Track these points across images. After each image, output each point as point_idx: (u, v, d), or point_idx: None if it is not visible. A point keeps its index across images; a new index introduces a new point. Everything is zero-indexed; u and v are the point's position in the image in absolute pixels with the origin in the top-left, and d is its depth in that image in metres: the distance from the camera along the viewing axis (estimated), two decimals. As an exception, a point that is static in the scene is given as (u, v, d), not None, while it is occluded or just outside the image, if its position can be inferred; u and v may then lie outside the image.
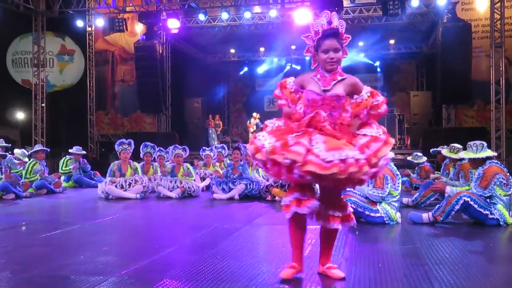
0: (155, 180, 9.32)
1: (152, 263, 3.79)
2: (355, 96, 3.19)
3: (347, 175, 2.76)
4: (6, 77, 19.42)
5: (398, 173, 5.61)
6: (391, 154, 5.58)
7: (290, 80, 3.34)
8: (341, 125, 3.06)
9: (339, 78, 3.15)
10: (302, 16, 14.19)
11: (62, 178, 10.87)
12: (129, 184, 8.73)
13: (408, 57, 21.32)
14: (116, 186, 8.65)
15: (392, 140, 3.06)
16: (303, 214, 3.15)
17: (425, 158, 9.74)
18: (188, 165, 9.26)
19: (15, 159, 9.95)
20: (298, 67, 22.54)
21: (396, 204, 5.52)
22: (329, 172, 2.75)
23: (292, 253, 3.33)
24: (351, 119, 3.11)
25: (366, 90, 3.23)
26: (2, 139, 10.05)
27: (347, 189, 5.83)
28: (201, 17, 15.92)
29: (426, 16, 15.88)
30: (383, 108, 3.24)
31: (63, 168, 11.18)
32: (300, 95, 3.25)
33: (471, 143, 5.62)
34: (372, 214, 5.42)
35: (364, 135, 3.05)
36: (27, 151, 10.51)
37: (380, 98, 3.23)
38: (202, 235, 5.02)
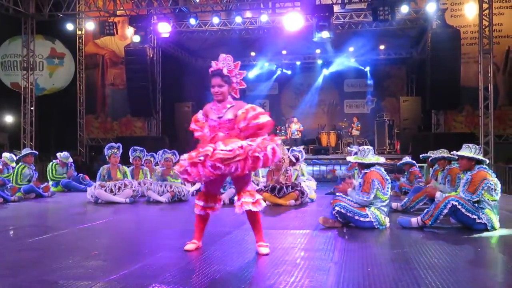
0: (144, 184, 9.29)
1: (141, 268, 3.78)
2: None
3: (245, 156, 3.73)
4: (-6, 81, 19.27)
5: (387, 177, 5.63)
6: (381, 159, 5.64)
7: (200, 115, 4.31)
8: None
9: (228, 106, 4.10)
10: (293, 21, 14.26)
11: (51, 182, 10.79)
12: (119, 188, 8.68)
13: (398, 63, 21.49)
14: (105, 190, 8.60)
15: (277, 139, 3.95)
16: (205, 214, 4.34)
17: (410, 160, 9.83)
18: (179, 169, 9.22)
19: (3, 163, 9.87)
20: (289, 72, 22.62)
21: (386, 209, 5.55)
22: (233, 155, 3.74)
23: (194, 233, 4.42)
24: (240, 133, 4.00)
25: (244, 107, 4.05)
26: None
27: (337, 194, 5.87)
28: (192, 21, 15.92)
29: (415, 22, 16.03)
30: (262, 118, 3.96)
31: (55, 175, 11.07)
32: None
33: (469, 144, 5.65)
34: (362, 219, 5.44)
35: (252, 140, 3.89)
36: (16, 155, 10.42)
37: (258, 110, 4.00)
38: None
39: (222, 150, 3.79)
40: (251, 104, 4.12)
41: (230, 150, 3.76)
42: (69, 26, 17.01)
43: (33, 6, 15.84)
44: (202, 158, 3.80)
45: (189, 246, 4.34)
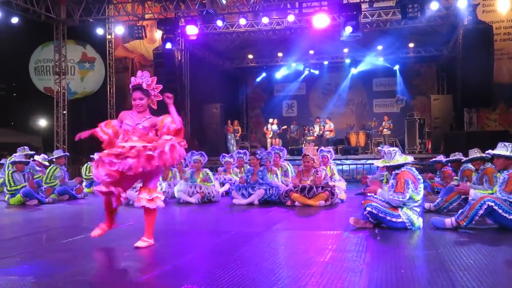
0: (174, 185, 9.36)
1: (172, 269, 3.80)
2: (156, 126, 4.57)
3: (136, 155, 4.20)
4: (29, 85, 19.78)
5: (420, 177, 5.52)
6: (409, 159, 5.52)
7: (115, 121, 4.73)
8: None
9: (147, 116, 4.58)
10: (320, 21, 14.15)
11: (84, 184, 10.99)
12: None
13: (428, 61, 21.13)
14: (136, 192, 8.67)
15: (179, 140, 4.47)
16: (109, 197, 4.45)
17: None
18: (208, 171, 9.29)
19: (37, 165, 10.10)
20: (317, 72, 22.48)
21: (418, 209, 5.44)
22: (125, 151, 4.24)
23: (104, 219, 4.68)
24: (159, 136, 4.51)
25: (160, 117, 4.57)
26: (26, 147, 10.20)
27: (368, 195, 5.79)
28: (219, 23, 15.99)
29: (446, 18, 15.69)
30: (177, 124, 4.53)
31: (87, 174, 11.29)
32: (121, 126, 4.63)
33: (504, 142, 5.50)
34: (394, 219, 5.35)
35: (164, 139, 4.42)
36: (48, 157, 10.65)
37: (167, 120, 4.53)
38: (222, 241, 5.02)
39: (119, 147, 4.32)
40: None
41: (123, 147, 4.28)
42: (99, 31, 17.32)
43: (64, 12, 16.18)
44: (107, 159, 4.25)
45: (96, 232, 4.65)
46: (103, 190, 4.31)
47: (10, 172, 9.06)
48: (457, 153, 8.76)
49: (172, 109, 4.58)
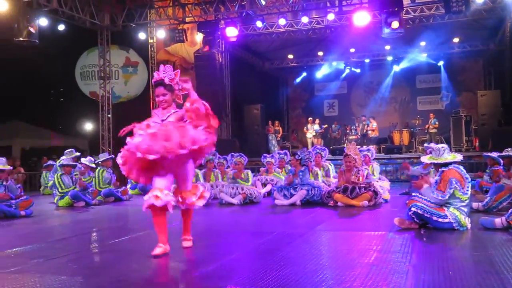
0: (217, 186, 9.44)
1: (215, 269, 3.82)
2: (184, 118, 4.37)
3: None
4: (75, 90, 20.42)
5: (467, 176, 5.34)
6: (458, 157, 5.34)
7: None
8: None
9: (172, 111, 4.40)
10: (361, 18, 13.95)
11: (129, 185, 11.24)
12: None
13: (474, 55, 20.49)
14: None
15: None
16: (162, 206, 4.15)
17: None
18: (249, 172, 9.31)
19: (83, 168, 10.39)
20: (358, 70, 22.20)
21: (466, 209, 5.27)
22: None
23: (158, 237, 4.28)
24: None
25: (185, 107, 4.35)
26: (73, 149, 10.52)
27: (412, 194, 5.65)
28: (259, 24, 16.02)
29: (492, 12, 15.16)
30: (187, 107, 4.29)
31: None
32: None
33: None
34: (440, 220, 5.20)
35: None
36: (94, 159, 10.95)
37: (187, 105, 4.30)
38: (264, 242, 5.01)
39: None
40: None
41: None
42: (142, 35, 17.68)
43: (108, 18, 16.59)
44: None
45: (157, 250, 4.22)
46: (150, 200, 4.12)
47: (59, 175, 9.37)
48: (509, 148, 8.42)
49: (192, 93, 4.32)
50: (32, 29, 12.78)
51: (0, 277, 3.74)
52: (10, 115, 22.25)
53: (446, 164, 5.33)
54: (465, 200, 5.23)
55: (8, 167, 8.25)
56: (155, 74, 4.47)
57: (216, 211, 8.12)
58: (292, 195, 8.34)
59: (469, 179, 5.34)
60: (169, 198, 4.15)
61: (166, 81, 4.38)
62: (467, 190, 5.25)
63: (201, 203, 4.45)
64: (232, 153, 9.75)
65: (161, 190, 4.15)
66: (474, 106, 18.17)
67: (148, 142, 4.00)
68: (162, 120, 4.32)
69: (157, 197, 4.11)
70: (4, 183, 7.98)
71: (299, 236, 5.20)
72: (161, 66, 4.46)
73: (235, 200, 8.69)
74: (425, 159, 5.71)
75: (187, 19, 16.64)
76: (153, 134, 4.03)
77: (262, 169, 11.35)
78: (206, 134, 4.18)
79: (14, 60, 21.15)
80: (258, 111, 18.82)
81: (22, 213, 7.75)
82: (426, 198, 5.35)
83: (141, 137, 4.06)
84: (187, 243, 4.60)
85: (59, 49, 20.28)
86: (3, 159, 8.11)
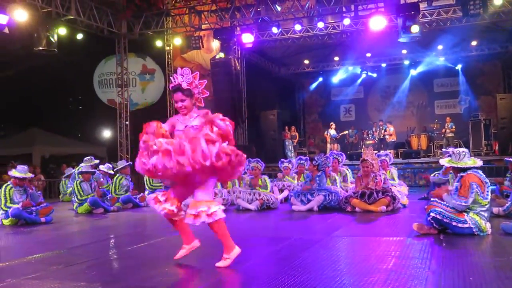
0: (234, 192, 9.45)
1: (234, 275, 3.82)
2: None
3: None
4: (93, 98, 20.66)
5: (487, 180, 5.26)
6: (479, 162, 5.26)
7: (165, 125, 4.16)
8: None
9: (194, 115, 4.11)
10: (377, 23, 13.89)
11: (146, 192, 11.29)
12: (210, 197, 8.87)
13: (493, 58, 20.24)
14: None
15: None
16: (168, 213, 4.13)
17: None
18: (266, 178, 9.30)
19: (102, 175, 10.50)
20: (374, 75, 22.09)
21: (486, 214, 5.19)
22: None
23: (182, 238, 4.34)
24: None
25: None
26: (92, 157, 10.63)
27: (431, 199, 5.60)
28: (274, 30, 16.05)
29: (510, 13, 14.96)
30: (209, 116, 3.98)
31: (151, 183, 11.47)
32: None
33: None
34: (460, 225, 5.13)
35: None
36: (112, 166, 11.05)
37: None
38: (282, 248, 5.00)
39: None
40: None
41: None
42: (158, 43, 17.86)
43: (125, 26, 16.78)
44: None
45: (181, 252, 4.29)
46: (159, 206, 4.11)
47: (78, 182, 9.48)
48: None
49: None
50: (52, 39, 13.05)
51: (21, 284, 3.79)
52: (30, 123, 22.59)
53: (465, 169, 5.26)
54: (485, 204, 5.16)
55: (30, 175, 8.37)
56: (172, 78, 4.27)
57: (233, 217, 8.13)
58: (309, 201, 8.31)
59: (489, 184, 5.27)
60: (163, 207, 4.09)
61: (184, 85, 4.13)
62: (487, 195, 5.18)
63: (191, 221, 3.95)
64: (249, 159, 9.76)
65: (162, 195, 4.14)
66: (493, 109, 17.95)
67: (162, 160, 3.76)
68: (185, 126, 4.07)
69: (156, 201, 4.16)
70: (30, 190, 8.11)
71: (317, 242, 5.18)
72: (179, 69, 4.24)
73: (252, 206, 8.69)
74: (444, 161, 5.63)
75: (203, 26, 16.75)
76: (167, 150, 3.76)
77: (279, 174, 11.33)
78: (222, 152, 3.78)
79: (34, 69, 21.54)
80: (274, 116, 18.83)
81: (42, 220, 7.86)
82: (445, 203, 5.29)
83: (156, 154, 3.81)
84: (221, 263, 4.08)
85: (78, 57, 20.57)
86: (25, 167, 8.24)
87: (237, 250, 4.03)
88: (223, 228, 4.01)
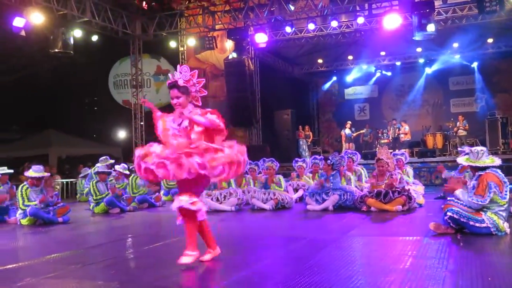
0: (249, 192, 9.46)
1: (247, 276, 3.83)
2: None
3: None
4: (109, 99, 20.85)
5: (506, 180, 5.19)
6: (497, 161, 5.18)
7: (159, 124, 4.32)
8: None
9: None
10: (391, 21, 13.79)
11: (162, 192, 11.37)
12: (224, 197, 8.92)
13: (509, 56, 19.91)
14: (211, 199, 8.88)
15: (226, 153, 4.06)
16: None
17: None
18: (280, 177, 9.30)
19: (117, 175, 10.57)
20: (389, 73, 21.93)
21: (504, 214, 5.13)
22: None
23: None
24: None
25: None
26: (107, 157, 10.71)
27: (448, 198, 5.55)
28: (288, 29, 16.01)
29: (528, 11, 14.78)
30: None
31: (169, 183, 11.54)
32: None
33: None
34: (477, 225, 5.07)
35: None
36: (127, 166, 11.13)
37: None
38: (297, 247, 5.00)
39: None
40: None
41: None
42: (172, 43, 17.94)
43: (139, 27, 16.91)
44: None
45: (206, 257, 4.25)
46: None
47: (94, 182, 9.57)
48: None
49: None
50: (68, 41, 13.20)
51: (41, 283, 3.84)
52: (46, 124, 22.85)
53: (483, 168, 5.19)
54: (504, 204, 5.10)
55: (46, 174, 8.46)
56: (169, 75, 4.29)
57: (248, 217, 8.15)
58: (324, 200, 8.29)
59: (508, 183, 5.20)
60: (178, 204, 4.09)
61: (180, 82, 4.17)
62: (506, 194, 5.11)
63: (176, 204, 4.08)
64: (264, 158, 9.77)
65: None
66: (510, 107, 17.76)
67: (160, 168, 3.88)
68: (178, 125, 4.14)
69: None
70: (45, 191, 8.20)
71: (332, 242, 5.17)
72: (178, 67, 4.26)
73: (267, 206, 8.70)
74: (462, 160, 5.54)
75: (217, 27, 16.80)
76: (165, 158, 3.87)
77: (293, 173, 11.32)
78: (219, 164, 3.92)
79: (50, 70, 21.79)
80: (288, 116, 18.80)
81: (60, 219, 7.95)
82: (462, 202, 5.23)
83: (154, 160, 3.92)
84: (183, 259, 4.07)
85: (93, 59, 20.75)
86: (40, 167, 8.35)
87: (196, 254, 4.08)
88: (197, 224, 4.13)
